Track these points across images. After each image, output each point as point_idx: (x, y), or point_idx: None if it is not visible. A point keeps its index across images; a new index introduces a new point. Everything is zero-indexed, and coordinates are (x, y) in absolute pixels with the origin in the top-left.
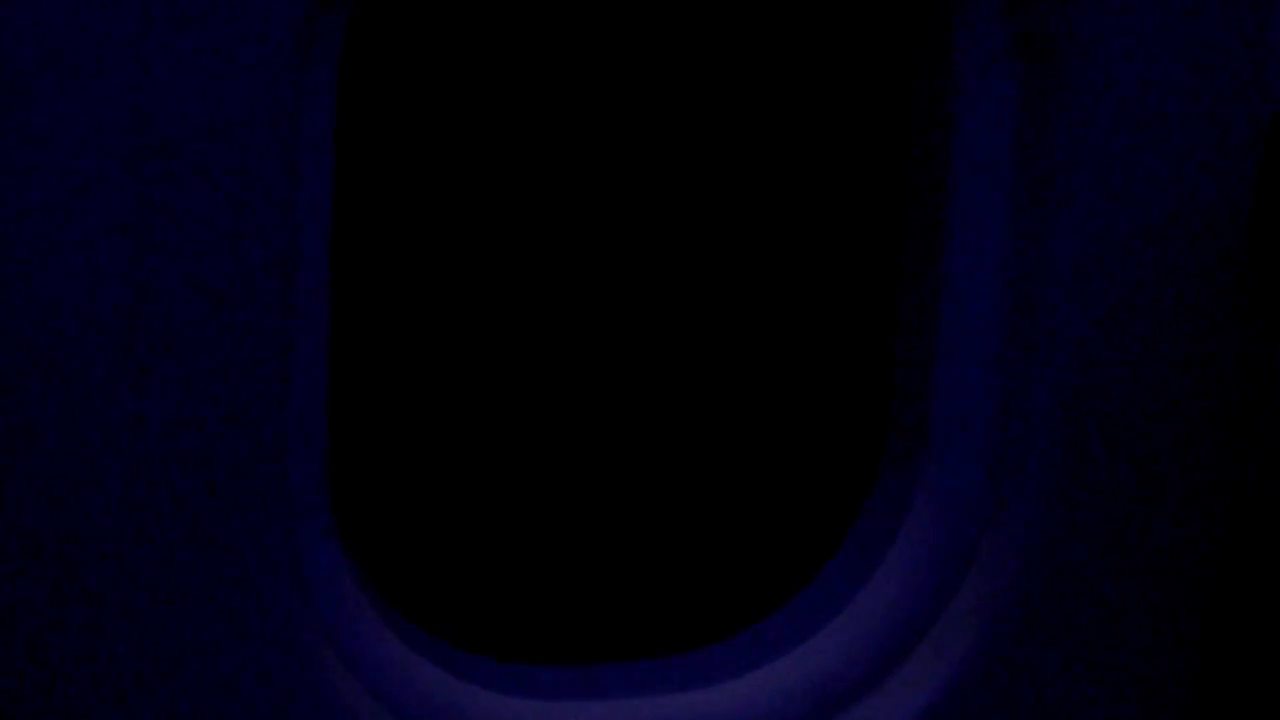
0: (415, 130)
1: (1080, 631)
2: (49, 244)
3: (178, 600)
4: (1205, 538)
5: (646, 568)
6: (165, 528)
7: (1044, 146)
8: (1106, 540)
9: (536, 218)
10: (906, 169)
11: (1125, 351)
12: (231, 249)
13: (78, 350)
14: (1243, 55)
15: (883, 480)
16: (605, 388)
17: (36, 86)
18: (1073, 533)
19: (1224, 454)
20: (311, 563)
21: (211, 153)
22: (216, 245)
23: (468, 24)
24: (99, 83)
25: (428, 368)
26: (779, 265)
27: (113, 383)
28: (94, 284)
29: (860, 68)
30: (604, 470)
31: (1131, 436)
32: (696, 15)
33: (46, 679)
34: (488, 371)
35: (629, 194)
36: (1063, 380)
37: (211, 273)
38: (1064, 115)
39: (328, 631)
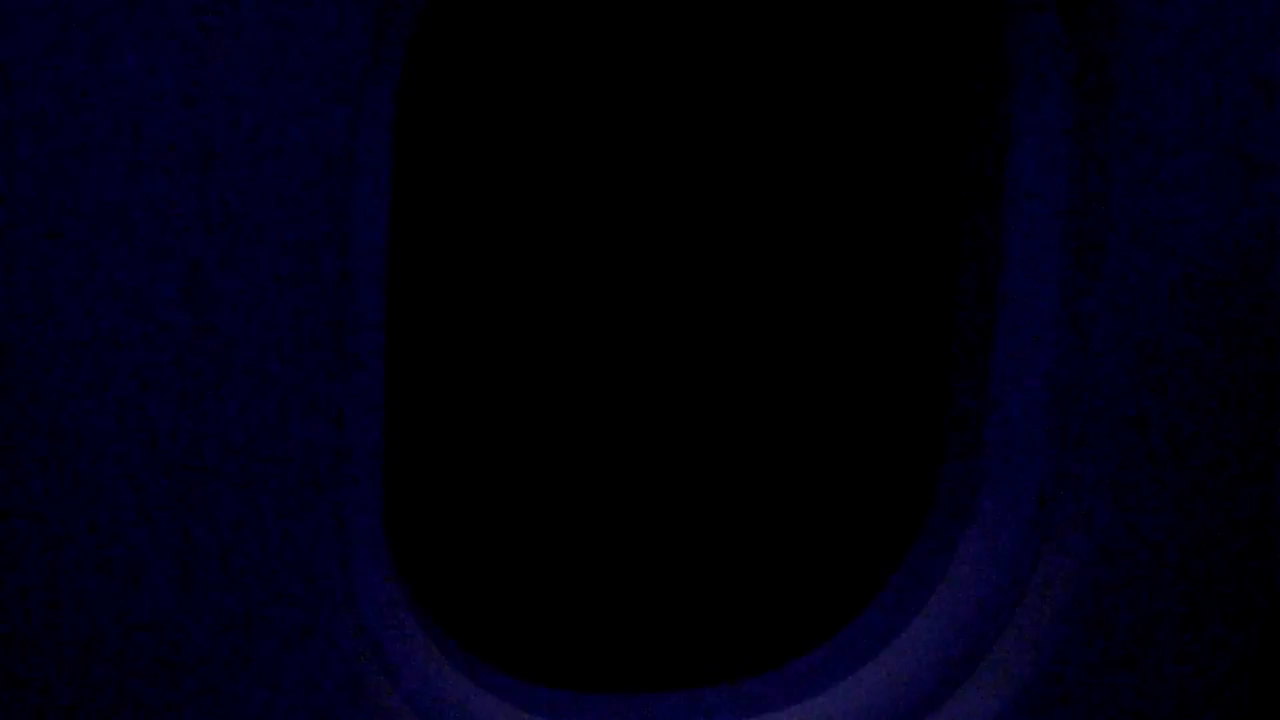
0: (467, 151)
1: (1126, 671)
2: (108, 267)
3: (235, 625)
4: (1254, 585)
5: (696, 597)
6: (222, 554)
7: (1100, 172)
8: (1154, 583)
9: (592, 252)
10: (961, 212)
11: (1177, 396)
12: (289, 284)
13: (137, 382)
14: None
15: (934, 515)
16: (661, 424)
17: (103, 105)
18: (1120, 575)
19: (1274, 501)
20: (364, 586)
21: (271, 186)
22: (274, 283)
23: (521, 47)
24: (164, 102)
25: (483, 400)
26: (837, 300)
27: (174, 408)
28: (152, 327)
29: (920, 95)
30: (657, 503)
31: (1181, 482)
32: (757, 48)
33: (99, 696)
34: (543, 404)
35: (688, 234)
36: (1113, 423)
37: (269, 305)
38: (1117, 142)
39: (379, 655)
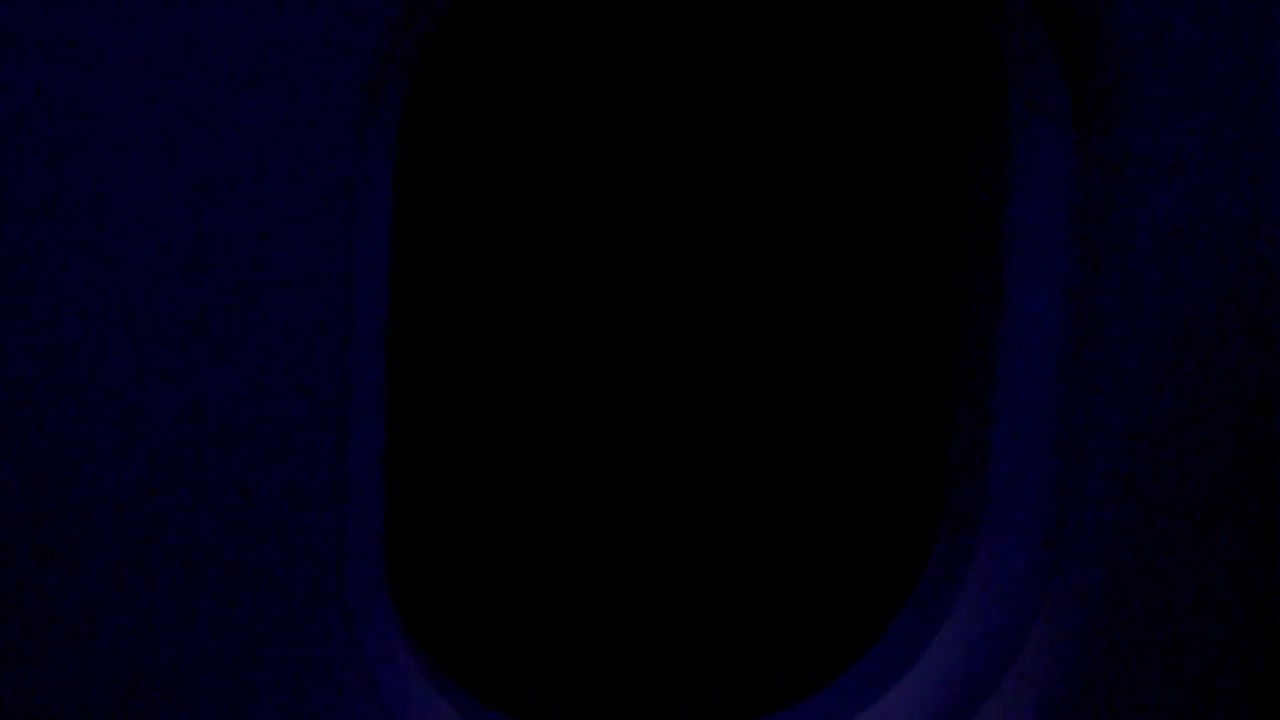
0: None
1: (1141, 688)
2: (104, 267)
3: (228, 650)
4: (1269, 595)
5: (704, 636)
6: (217, 575)
7: (1098, 217)
8: (1167, 598)
9: (597, 262)
10: (963, 223)
11: (1186, 409)
12: (292, 316)
13: (133, 398)
14: None
15: (936, 555)
16: (666, 451)
17: (103, 107)
18: (1132, 592)
19: (1272, 540)
20: (365, 628)
21: (273, 194)
22: (275, 299)
23: (526, 56)
24: (166, 110)
25: (484, 426)
26: (841, 315)
27: (173, 442)
28: (150, 337)
29: (921, 104)
30: (662, 535)
31: (1192, 495)
32: (766, 58)
33: (88, 713)
34: (546, 428)
35: (697, 249)
36: (1116, 459)
37: (271, 336)
38: (1118, 181)
39: (379, 697)
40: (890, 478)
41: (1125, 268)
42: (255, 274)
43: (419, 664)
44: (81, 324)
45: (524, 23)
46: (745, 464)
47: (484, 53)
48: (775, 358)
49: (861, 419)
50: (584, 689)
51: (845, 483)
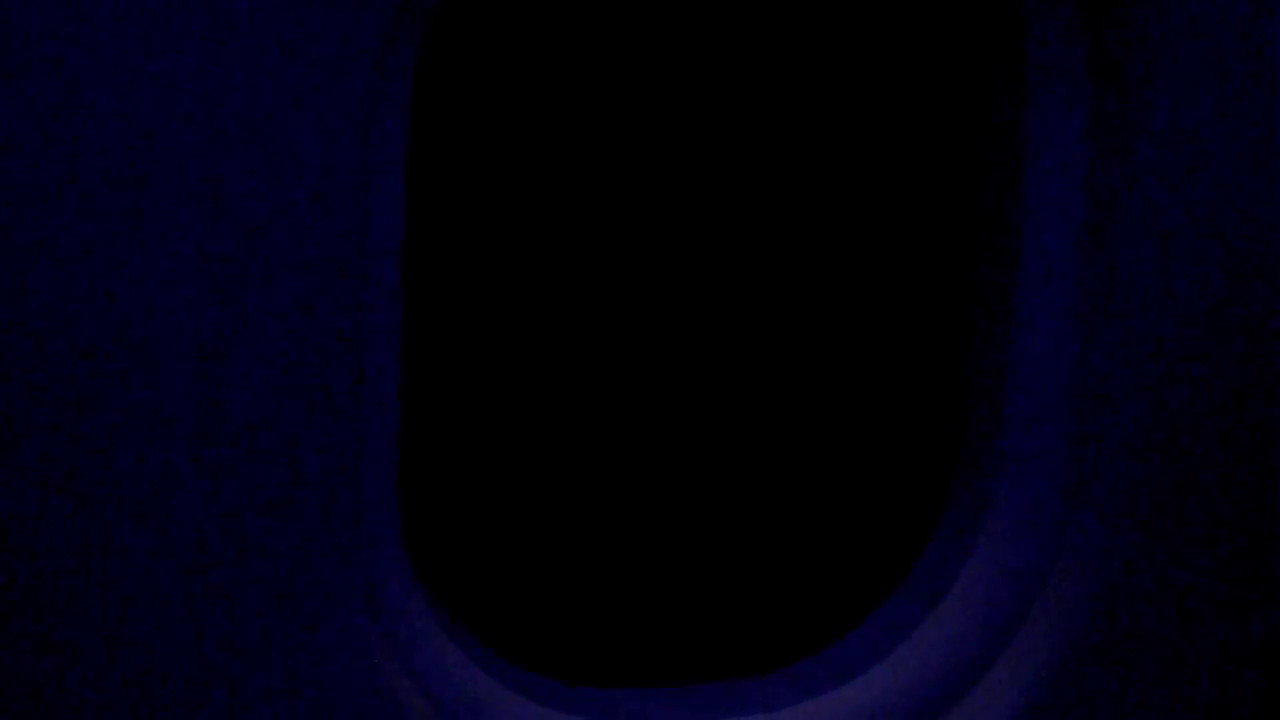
0: (480, 151)
1: (1148, 663)
2: (116, 253)
3: (250, 622)
4: (1274, 588)
5: (712, 593)
6: (238, 553)
7: (1115, 172)
8: (1169, 586)
9: (603, 253)
10: (979, 187)
11: (1196, 402)
12: (303, 284)
13: (151, 380)
14: None
15: (949, 516)
16: (677, 421)
17: (114, 87)
18: (1135, 579)
19: None
20: (382, 582)
21: (285, 189)
22: (289, 283)
23: (536, 45)
24: (177, 101)
25: (497, 401)
26: (854, 302)
27: (189, 409)
28: (165, 328)
29: (937, 98)
30: (674, 501)
31: (1198, 487)
32: (767, 56)
33: (113, 692)
34: (557, 400)
35: (703, 241)
36: (1130, 428)
37: (285, 304)
38: (1136, 140)
39: (397, 649)
40: (898, 456)
41: (1142, 231)
42: (266, 261)
43: (434, 615)
44: (95, 312)
45: (529, 14)
46: (756, 432)
47: (492, 39)
48: (785, 330)
49: (872, 399)
50: (592, 641)
51: (853, 459)
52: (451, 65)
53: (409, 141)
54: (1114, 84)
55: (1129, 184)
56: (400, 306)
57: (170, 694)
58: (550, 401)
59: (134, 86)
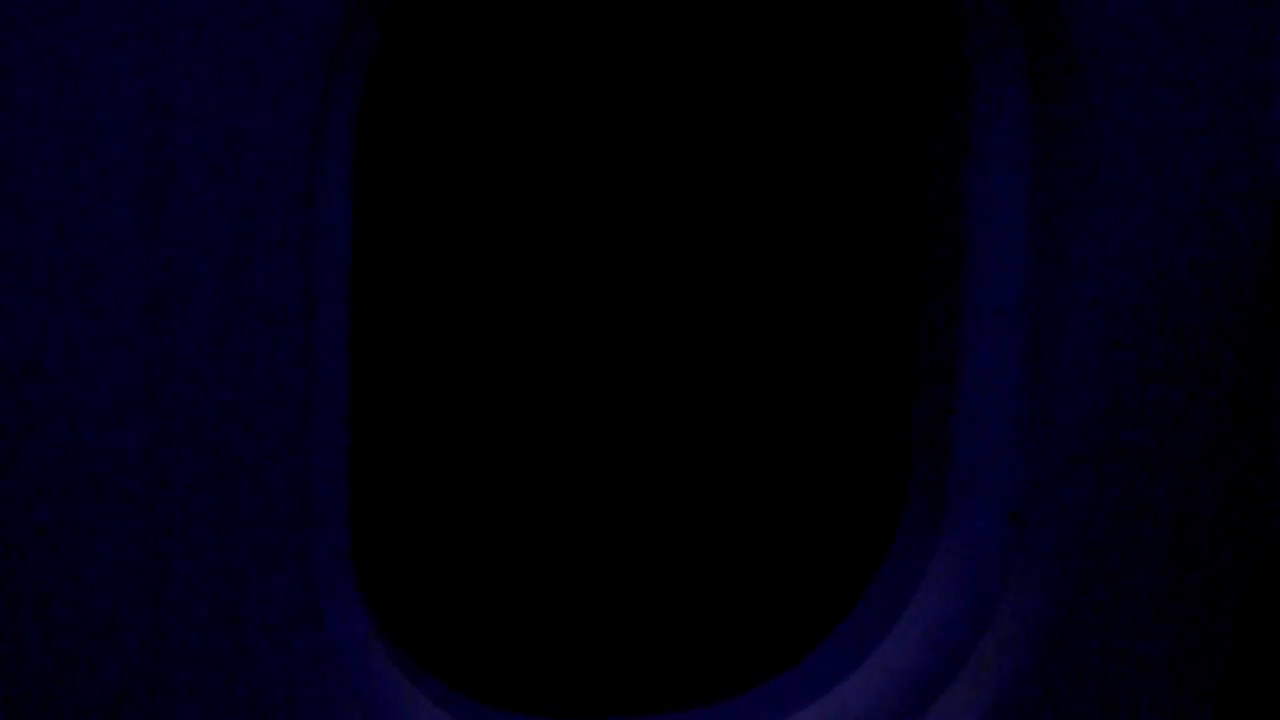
0: (434, 148)
1: (1100, 679)
2: (63, 258)
3: (203, 649)
4: (1225, 593)
5: (667, 622)
6: (189, 578)
7: (1059, 185)
8: (1125, 595)
9: (564, 269)
10: (922, 218)
11: (1150, 407)
12: (250, 297)
13: (99, 403)
14: (1260, 81)
15: (904, 533)
16: (632, 443)
17: (61, 94)
18: (1091, 590)
19: (1244, 512)
20: (332, 611)
21: (232, 177)
22: (235, 301)
23: (489, 38)
24: (124, 102)
25: (454, 419)
26: (805, 316)
27: (136, 433)
28: (111, 346)
29: (877, 112)
30: (628, 523)
31: (1153, 493)
32: (717, 75)
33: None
34: (513, 425)
35: (657, 252)
36: (1082, 434)
37: (230, 327)
38: (1078, 148)
39: (346, 681)
40: (858, 456)
41: (1087, 243)
42: (214, 265)
43: (392, 657)
44: (38, 322)
45: (489, 10)
46: (708, 455)
47: (449, 37)
48: (740, 340)
49: (822, 414)
50: (556, 675)
51: (811, 464)
52: (407, 60)
53: (358, 149)
54: (1054, 86)
55: (1076, 176)
56: (347, 323)
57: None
58: (503, 424)
59: (74, 79)
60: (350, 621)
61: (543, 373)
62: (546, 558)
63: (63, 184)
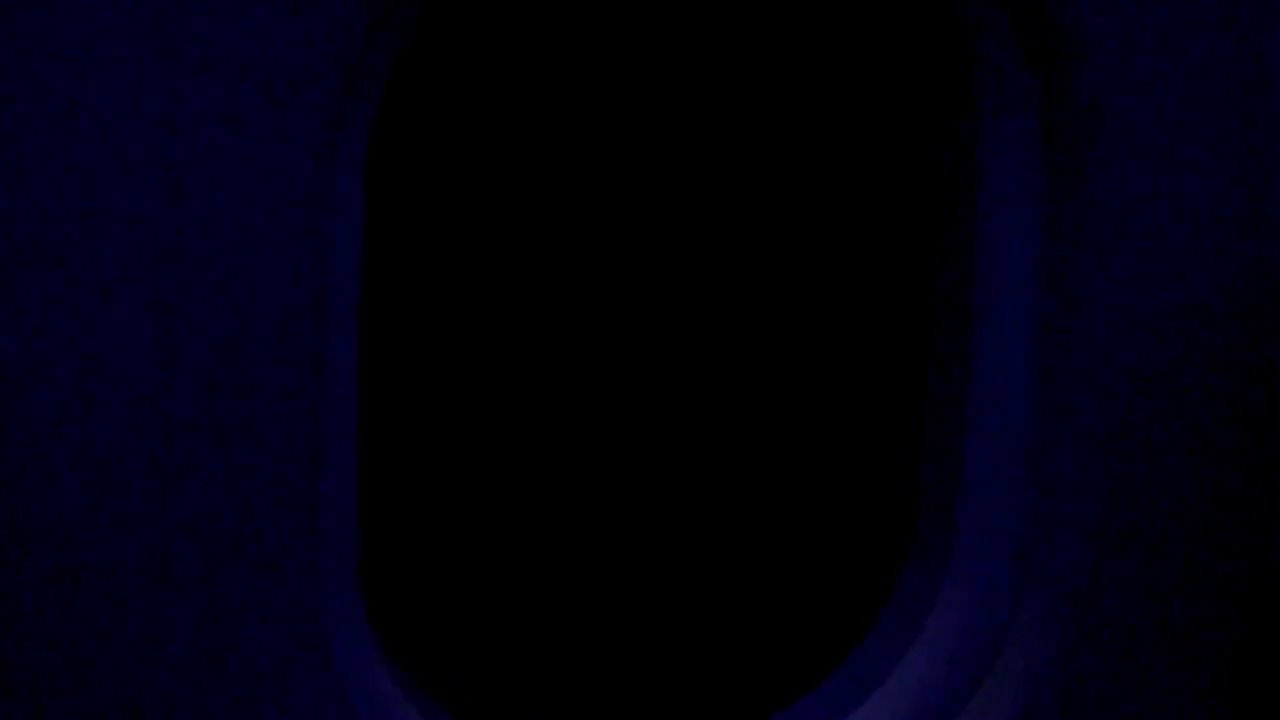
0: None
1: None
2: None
3: (210, 679)
4: (1230, 630)
5: (673, 653)
6: (198, 608)
7: (1069, 242)
8: (1133, 630)
9: (570, 280)
10: (933, 253)
11: (1157, 444)
12: (262, 337)
13: (111, 436)
14: (1268, 144)
15: (910, 571)
16: (642, 471)
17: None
18: (1098, 625)
19: (1257, 553)
20: (340, 641)
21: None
22: (247, 333)
23: (498, 46)
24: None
25: (461, 442)
26: (819, 356)
27: (146, 465)
28: (120, 375)
29: (888, 167)
30: (637, 551)
31: (1157, 530)
32: (724, 82)
33: None
34: (525, 449)
35: (654, 270)
36: (1089, 474)
37: (242, 360)
38: (1089, 176)
39: (352, 713)
40: (867, 483)
41: (1098, 273)
42: (224, 272)
43: (397, 681)
44: (45, 328)
45: (498, 26)
46: (720, 475)
47: (461, 48)
48: (748, 361)
49: (828, 441)
50: (563, 702)
51: (819, 498)
52: (424, 69)
53: (371, 158)
54: (1071, 154)
55: (1085, 205)
56: (357, 347)
57: None
58: (514, 437)
59: (89, 88)
60: (357, 650)
61: (555, 389)
62: (556, 585)
63: (70, 190)
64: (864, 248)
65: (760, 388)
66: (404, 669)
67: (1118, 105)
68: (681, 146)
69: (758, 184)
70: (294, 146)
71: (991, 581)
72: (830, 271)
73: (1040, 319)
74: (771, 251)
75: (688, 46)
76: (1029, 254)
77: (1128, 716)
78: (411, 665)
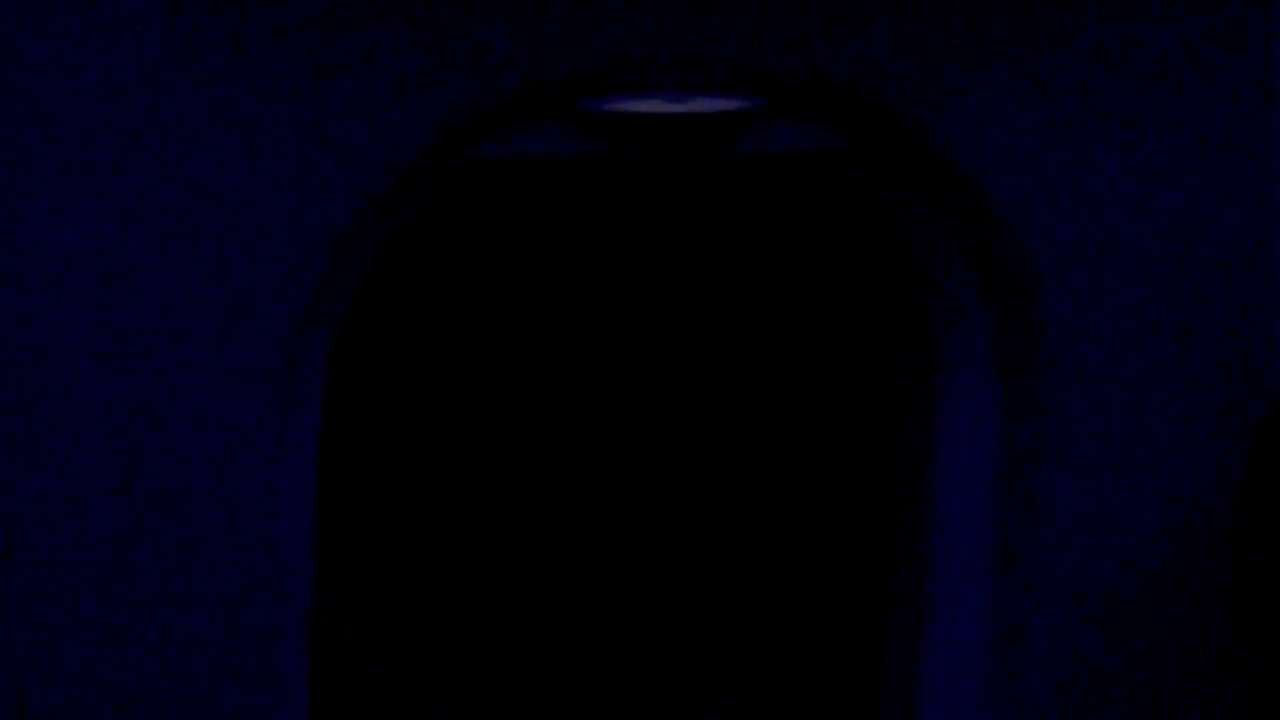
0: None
1: None
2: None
3: None
4: None
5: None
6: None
7: (1024, 479)
8: None
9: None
10: (893, 467)
11: (1118, 674)
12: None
13: (72, 607)
14: (1226, 371)
15: None
16: (622, 628)
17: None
18: None
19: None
20: None
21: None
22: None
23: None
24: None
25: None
26: (782, 567)
27: (109, 644)
28: (82, 582)
29: (847, 403)
30: (627, 685)
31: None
32: (696, 324)
33: None
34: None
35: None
36: (1053, 662)
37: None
38: (1044, 443)
39: None
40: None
41: (1056, 516)
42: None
43: None
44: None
45: (471, 241)
46: (691, 682)
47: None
48: (715, 568)
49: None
50: None
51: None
52: (388, 289)
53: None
54: (1026, 387)
55: (1043, 462)
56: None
57: None
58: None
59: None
60: None
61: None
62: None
63: (47, 380)
64: (830, 460)
65: (714, 601)
66: None
67: (1068, 326)
68: (650, 385)
69: (737, 404)
70: (257, 352)
71: None
72: (796, 486)
73: (994, 571)
74: (745, 473)
75: (669, 298)
76: (986, 494)
77: None
78: None
